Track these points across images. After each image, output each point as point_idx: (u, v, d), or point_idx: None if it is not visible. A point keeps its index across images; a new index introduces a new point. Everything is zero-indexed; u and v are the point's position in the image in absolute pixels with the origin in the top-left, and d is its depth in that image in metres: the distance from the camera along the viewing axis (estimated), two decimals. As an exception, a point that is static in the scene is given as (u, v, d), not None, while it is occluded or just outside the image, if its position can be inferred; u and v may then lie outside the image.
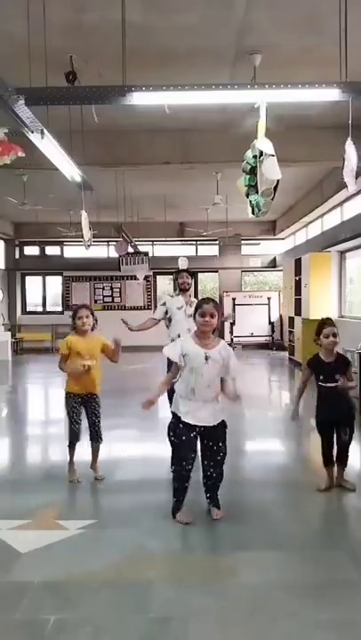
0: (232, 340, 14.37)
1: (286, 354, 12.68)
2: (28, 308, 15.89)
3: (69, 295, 15.48)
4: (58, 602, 2.51)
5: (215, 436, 3.39)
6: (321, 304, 10.00)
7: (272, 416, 6.62)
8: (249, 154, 3.97)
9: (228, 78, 5.56)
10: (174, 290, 5.33)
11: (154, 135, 7.31)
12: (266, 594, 2.56)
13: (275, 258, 15.64)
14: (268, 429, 5.94)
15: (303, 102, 4.89)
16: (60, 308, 15.65)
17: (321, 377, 3.81)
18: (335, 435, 3.85)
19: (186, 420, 3.29)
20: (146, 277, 14.65)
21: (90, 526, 3.31)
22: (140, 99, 3.64)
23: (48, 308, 15.93)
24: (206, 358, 3.26)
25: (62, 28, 4.55)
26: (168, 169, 7.85)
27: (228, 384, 3.43)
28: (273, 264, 15.70)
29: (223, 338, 14.97)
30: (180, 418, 3.32)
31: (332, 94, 3.63)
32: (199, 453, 3.47)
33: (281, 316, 14.47)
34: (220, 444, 3.41)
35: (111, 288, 15.46)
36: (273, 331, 14.60)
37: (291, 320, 11.98)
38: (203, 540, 3.16)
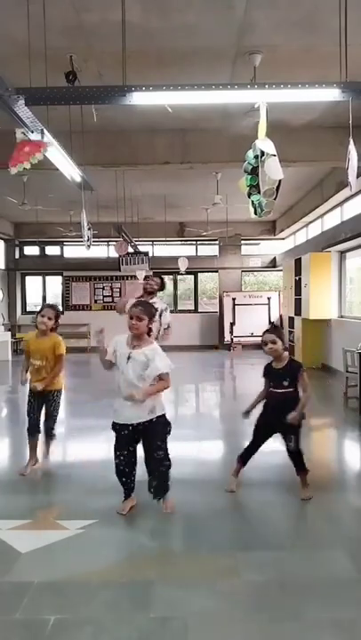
0: (232, 340, 14.38)
1: (286, 354, 12.67)
2: (28, 308, 15.88)
3: (69, 295, 15.48)
4: (58, 602, 2.51)
5: (149, 435, 3.42)
6: (321, 304, 10.01)
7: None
8: (250, 154, 3.97)
9: (228, 78, 5.57)
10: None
11: (154, 135, 7.31)
12: (266, 594, 2.56)
13: (275, 258, 15.64)
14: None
15: (303, 102, 4.89)
16: (59, 308, 15.61)
17: (271, 383, 3.82)
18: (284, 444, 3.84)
19: (116, 420, 3.43)
20: (146, 277, 14.64)
21: (90, 526, 3.31)
22: (140, 99, 3.64)
23: (48, 308, 15.91)
24: (128, 358, 3.34)
25: (62, 28, 4.55)
26: (168, 169, 7.85)
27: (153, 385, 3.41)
28: (273, 264, 15.70)
29: (224, 337, 15.03)
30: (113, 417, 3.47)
31: (332, 94, 3.63)
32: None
33: (281, 316, 14.46)
34: (159, 443, 3.43)
35: (111, 288, 15.46)
36: (273, 331, 14.57)
37: (291, 320, 11.99)
38: (203, 540, 3.16)
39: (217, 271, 15.59)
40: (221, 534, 3.23)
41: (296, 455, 3.80)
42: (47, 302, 5.00)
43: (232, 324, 14.58)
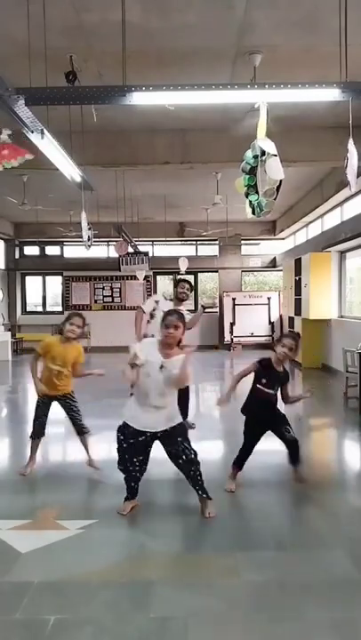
0: (232, 340, 14.38)
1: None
2: (28, 308, 15.89)
3: (69, 295, 15.48)
4: (58, 602, 2.51)
5: (172, 441, 3.40)
6: (321, 304, 10.01)
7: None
8: (249, 154, 3.97)
9: (228, 78, 5.57)
10: (173, 295, 5.38)
11: (154, 135, 7.32)
12: (266, 594, 2.57)
13: (275, 258, 15.64)
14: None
15: (303, 102, 4.89)
16: (60, 308, 15.65)
17: (263, 381, 3.81)
18: (279, 437, 3.88)
19: (130, 424, 3.35)
20: (146, 277, 14.66)
21: (90, 526, 3.31)
22: (140, 99, 3.64)
23: (48, 308, 15.93)
24: (161, 367, 3.29)
25: (62, 28, 4.55)
26: (168, 169, 7.85)
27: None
28: (273, 264, 15.71)
29: (224, 337, 15.01)
30: (126, 421, 3.40)
31: (332, 94, 3.63)
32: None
33: (281, 316, 14.46)
34: (184, 446, 3.41)
35: (111, 288, 15.46)
36: (273, 331, 14.59)
37: (291, 320, 11.99)
38: (202, 540, 3.16)
39: (217, 271, 15.60)
40: (221, 534, 3.23)
41: (296, 444, 3.87)
42: (73, 310, 4.95)
43: (232, 324, 14.58)
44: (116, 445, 3.45)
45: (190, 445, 3.46)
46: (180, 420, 3.47)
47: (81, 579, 2.70)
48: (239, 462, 3.93)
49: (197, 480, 3.48)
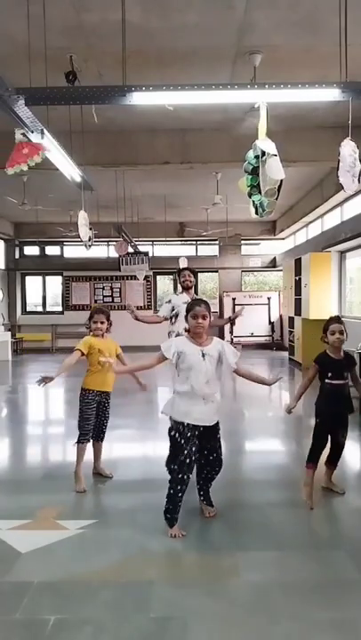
0: (232, 339, 14.37)
1: (286, 354, 12.69)
2: (28, 308, 15.89)
3: (69, 295, 15.48)
4: (58, 602, 2.51)
5: (212, 436, 3.40)
6: (321, 304, 10.00)
7: (272, 416, 6.62)
8: (251, 154, 3.97)
9: (228, 78, 5.57)
10: (175, 289, 5.39)
11: (154, 135, 7.32)
12: (266, 594, 2.56)
13: (275, 258, 15.64)
14: (268, 429, 5.94)
15: (303, 102, 4.90)
16: (60, 308, 15.66)
17: (329, 374, 3.74)
18: (332, 436, 3.82)
19: (186, 421, 3.25)
20: (146, 277, 14.66)
21: (90, 526, 3.31)
22: (140, 99, 3.64)
23: (48, 308, 15.93)
24: (203, 355, 3.27)
25: (62, 28, 4.55)
26: (168, 169, 7.86)
27: (244, 370, 3.44)
28: (273, 264, 15.71)
29: (224, 338, 15.03)
30: (177, 419, 3.28)
31: (332, 94, 3.63)
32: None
33: (281, 316, 14.46)
34: (219, 441, 3.45)
35: (111, 288, 15.46)
36: (273, 331, 14.60)
37: (291, 320, 11.99)
38: (203, 540, 3.16)
39: (217, 271, 15.60)
40: (221, 534, 3.23)
41: (342, 448, 3.84)
42: (95, 306, 4.81)
43: (232, 324, 14.58)
44: (171, 449, 3.29)
45: None
46: (220, 416, 3.44)
47: (81, 579, 2.70)
48: (313, 461, 3.80)
49: (212, 481, 3.49)
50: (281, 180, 3.80)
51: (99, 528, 3.30)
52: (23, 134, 3.99)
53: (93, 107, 4.66)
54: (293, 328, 11.68)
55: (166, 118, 6.27)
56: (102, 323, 4.07)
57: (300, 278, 10.93)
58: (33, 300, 15.99)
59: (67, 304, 15.39)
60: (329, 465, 3.91)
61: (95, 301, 15.39)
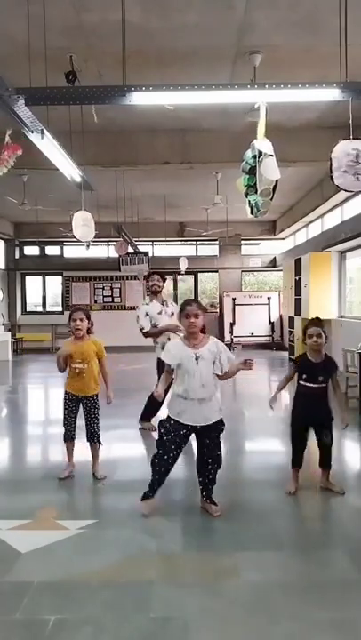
0: (232, 340, 14.38)
1: (286, 354, 12.69)
2: (28, 308, 15.89)
3: (69, 295, 15.48)
4: (58, 602, 2.51)
5: (210, 435, 3.43)
6: (321, 304, 10.01)
7: (272, 416, 6.61)
8: (248, 154, 3.98)
9: (228, 78, 5.57)
10: (144, 296, 5.41)
11: (154, 135, 7.32)
12: (266, 594, 2.56)
13: (275, 258, 15.64)
14: (268, 429, 5.94)
15: (303, 102, 4.90)
16: (60, 308, 15.66)
17: (304, 376, 3.77)
18: (317, 438, 3.84)
19: (178, 420, 3.35)
20: (145, 277, 14.64)
21: (90, 526, 3.31)
22: (140, 99, 3.64)
23: (48, 308, 15.93)
24: (197, 359, 3.32)
25: (62, 28, 4.55)
26: (168, 169, 7.86)
27: (230, 372, 3.47)
28: (273, 264, 15.71)
29: (224, 338, 14.99)
30: (171, 416, 3.40)
31: (332, 94, 3.63)
32: (195, 452, 3.50)
33: (281, 316, 14.46)
34: (218, 442, 3.47)
35: (111, 288, 15.46)
36: (273, 331, 14.60)
37: (291, 320, 11.99)
38: (203, 540, 3.16)
39: (217, 271, 15.60)
40: (221, 534, 3.23)
41: (329, 450, 3.83)
42: (74, 305, 4.77)
43: (232, 324, 14.58)
44: (157, 439, 3.45)
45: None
46: (221, 414, 3.48)
47: (81, 579, 2.70)
48: (296, 463, 3.87)
49: (213, 481, 3.52)
50: (276, 181, 3.80)
51: (99, 528, 3.30)
52: (10, 135, 3.99)
53: (93, 106, 4.67)
54: (293, 328, 11.68)
55: (166, 118, 6.28)
56: (81, 320, 4.00)
57: (300, 278, 10.94)
58: (33, 300, 15.99)
59: (67, 304, 15.39)
60: (322, 467, 3.92)
61: (95, 301, 15.39)
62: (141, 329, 5.20)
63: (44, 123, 4.17)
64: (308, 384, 3.74)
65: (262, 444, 5.47)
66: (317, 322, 3.83)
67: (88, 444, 4.19)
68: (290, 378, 3.87)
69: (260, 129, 3.81)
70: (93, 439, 4.17)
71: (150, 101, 3.77)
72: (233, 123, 6.81)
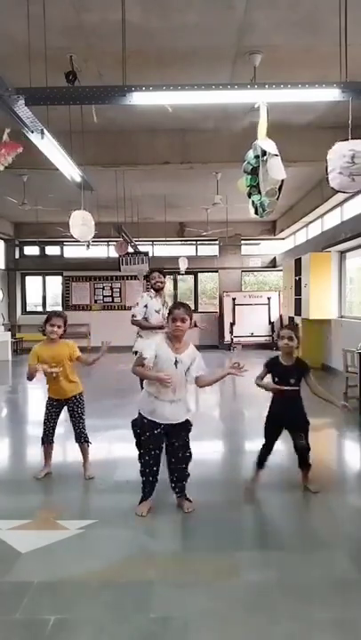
0: (232, 340, 14.38)
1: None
2: (28, 308, 15.89)
3: (69, 295, 15.48)
4: (58, 602, 2.51)
5: (180, 435, 3.48)
6: (321, 304, 10.01)
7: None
8: (250, 154, 3.97)
9: (228, 78, 5.57)
10: (146, 290, 5.45)
11: (154, 135, 7.32)
12: (266, 594, 2.56)
13: (275, 258, 15.64)
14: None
15: (303, 102, 4.89)
16: (60, 308, 15.65)
17: (276, 379, 3.81)
18: (293, 441, 3.87)
19: (150, 419, 3.40)
20: (145, 277, 14.64)
21: (90, 526, 3.31)
22: (140, 99, 3.64)
23: (48, 308, 15.92)
24: (176, 362, 3.37)
25: (62, 28, 4.55)
26: (168, 169, 7.85)
27: (203, 379, 3.51)
28: (273, 264, 15.70)
29: (224, 338, 15.00)
30: (143, 414, 3.45)
31: (332, 94, 3.63)
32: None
33: (281, 316, 14.46)
34: (186, 440, 3.52)
35: (111, 288, 15.46)
36: (273, 331, 14.59)
37: (291, 320, 11.97)
38: (203, 540, 3.16)
39: (217, 271, 15.59)
40: (221, 534, 3.23)
41: (305, 451, 3.85)
42: (53, 310, 4.77)
43: (232, 324, 14.58)
44: (135, 440, 3.51)
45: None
46: (189, 414, 3.53)
47: (81, 579, 2.70)
48: (260, 463, 3.91)
49: (185, 478, 3.56)
50: (282, 180, 3.79)
51: (99, 528, 3.30)
52: (8, 134, 3.99)
53: (93, 106, 4.67)
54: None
55: (166, 118, 6.27)
56: (59, 327, 4.05)
57: (300, 278, 10.93)
58: (33, 300, 15.99)
59: (67, 304, 15.39)
60: (300, 468, 3.95)
61: (95, 301, 15.39)
62: (133, 316, 5.22)
63: (44, 123, 4.17)
64: (279, 387, 3.78)
65: (262, 444, 5.45)
66: (291, 325, 3.93)
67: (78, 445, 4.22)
68: (261, 378, 3.88)
69: (261, 129, 3.81)
70: (81, 439, 4.20)
71: (150, 101, 3.77)
72: (233, 123, 6.81)
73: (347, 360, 7.34)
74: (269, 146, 3.73)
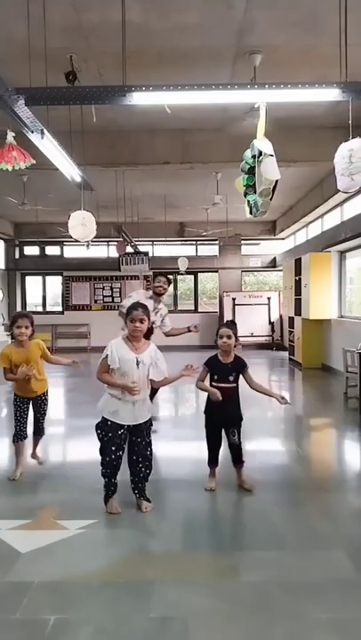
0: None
1: (286, 354, 12.69)
2: (28, 308, 15.87)
3: (69, 295, 15.49)
4: (58, 602, 2.51)
5: (141, 434, 3.50)
6: (321, 304, 10.01)
7: (272, 416, 6.62)
8: (248, 154, 3.97)
9: (228, 78, 5.57)
10: (146, 289, 5.43)
11: (154, 135, 7.32)
12: (266, 594, 2.56)
13: (275, 258, 15.64)
14: (268, 429, 5.94)
15: (303, 102, 4.89)
16: (60, 308, 15.66)
17: (215, 377, 3.84)
18: (226, 437, 3.89)
19: (113, 420, 3.41)
20: (145, 277, 14.65)
21: (90, 526, 3.31)
22: (140, 99, 3.64)
23: (48, 308, 15.93)
24: (138, 363, 3.40)
25: (62, 28, 4.55)
26: (168, 169, 7.86)
27: (159, 382, 3.57)
28: (273, 264, 15.70)
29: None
30: (106, 417, 3.45)
31: (332, 94, 3.63)
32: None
33: (281, 316, 14.46)
34: (148, 441, 3.54)
35: (111, 288, 15.46)
36: (273, 331, 14.60)
37: (291, 320, 11.99)
38: (203, 540, 3.16)
39: (217, 271, 15.59)
40: (221, 534, 3.23)
41: (238, 448, 3.89)
42: (18, 311, 4.81)
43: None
44: (99, 443, 3.49)
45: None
46: (150, 414, 3.58)
47: (81, 579, 2.70)
48: (211, 461, 3.95)
49: (146, 478, 3.57)
50: (276, 181, 3.79)
51: (99, 528, 3.31)
52: (14, 137, 3.99)
53: (93, 106, 4.67)
54: (293, 328, 11.68)
55: (166, 118, 6.26)
56: (26, 327, 4.07)
57: (300, 278, 10.94)
58: (33, 300, 15.99)
59: (67, 304, 15.39)
60: (234, 465, 3.96)
61: (95, 301, 15.39)
62: (121, 307, 5.19)
63: (44, 123, 4.17)
64: (219, 384, 3.81)
65: (262, 444, 5.46)
66: (230, 324, 3.96)
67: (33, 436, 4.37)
68: (202, 380, 3.90)
69: (260, 129, 3.81)
70: (40, 432, 4.38)
71: (150, 101, 3.77)
72: (233, 123, 6.80)
73: (347, 360, 7.35)
74: (265, 146, 3.74)
